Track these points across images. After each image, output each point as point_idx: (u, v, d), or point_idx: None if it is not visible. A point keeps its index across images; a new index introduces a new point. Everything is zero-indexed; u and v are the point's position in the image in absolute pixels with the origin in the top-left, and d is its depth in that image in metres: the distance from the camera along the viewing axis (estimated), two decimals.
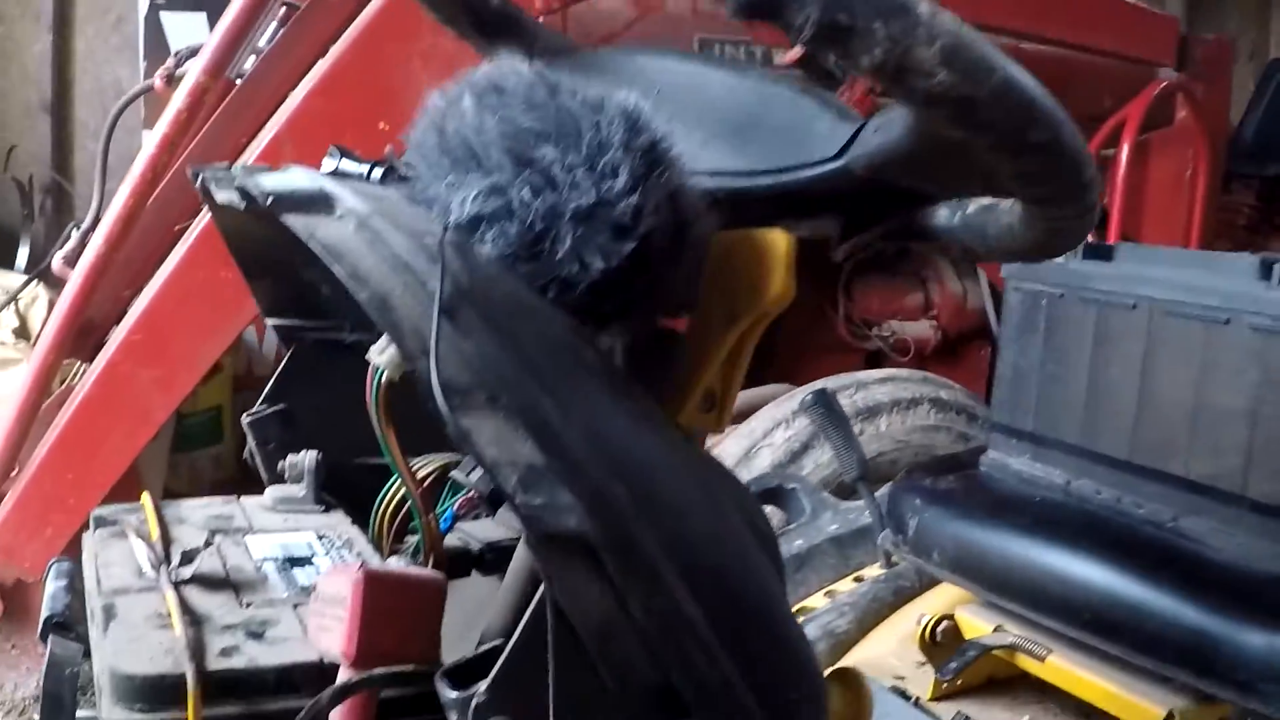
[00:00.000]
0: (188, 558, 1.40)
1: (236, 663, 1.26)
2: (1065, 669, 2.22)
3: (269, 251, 1.54)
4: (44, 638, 1.71)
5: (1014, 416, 2.58)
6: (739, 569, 1.17)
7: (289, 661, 1.28)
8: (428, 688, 1.15)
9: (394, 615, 1.19)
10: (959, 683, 2.31)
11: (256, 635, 1.32)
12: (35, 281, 4.28)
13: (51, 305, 4.71)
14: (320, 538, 1.59)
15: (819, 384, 3.60)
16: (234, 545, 1.49)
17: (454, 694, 1.09)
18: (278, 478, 1.81)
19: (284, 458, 1.80)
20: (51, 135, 5.62)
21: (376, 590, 1.17)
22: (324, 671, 1.27)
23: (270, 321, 1.80)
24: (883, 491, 2.67)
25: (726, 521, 1.19)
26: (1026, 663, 2.27)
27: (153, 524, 1.52)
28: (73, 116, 5.75)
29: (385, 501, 1.66)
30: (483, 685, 1.07)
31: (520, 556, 1.30)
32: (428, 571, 1.23)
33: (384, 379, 1.37)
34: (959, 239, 1.18)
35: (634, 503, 1.05)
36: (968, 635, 2.33)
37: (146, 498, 1.63)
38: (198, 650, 1.26)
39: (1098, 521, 2.27)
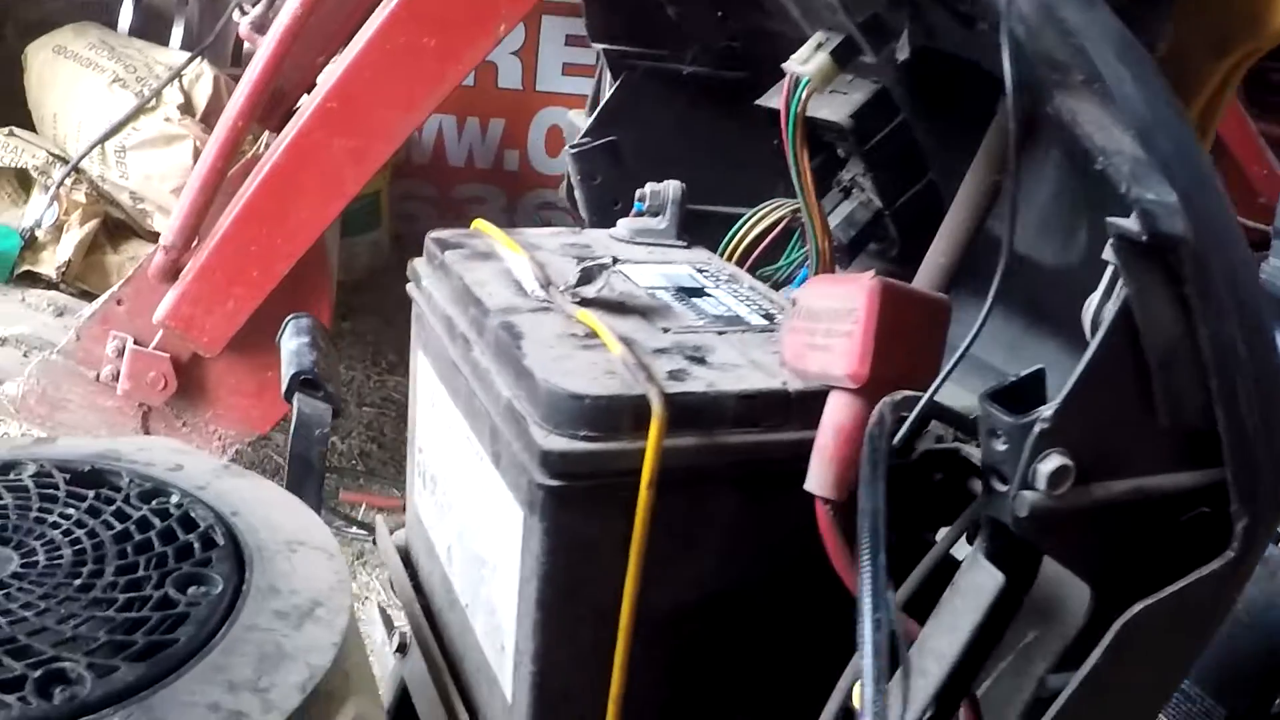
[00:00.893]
0: (587, 277, 1.19)
1: (693, 387, 1.06)
2: None
3: None
4: (289, 396, 1.54)
5: None
6: (1267, 336, 1.00)
7: (752, 388, 1.07)
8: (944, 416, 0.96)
9: (905, 334, 0.99)
10: None
11: (698, 360, 1.12)
12: (199, 58, 4.04)
13: (216, 81, 4.55)
14: (700, 271, 1.38)
15: None
16: (613, 274, 1.27)
17: (1010, 419, 0.90)
18: (600, 215, 1.63)
19: (608, 193, 1.62)
20: None
21: (892, 303, 0.97)
22: (790, 402, 1.07)
23: (599, 47, 1.63)
24: None
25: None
26: None
27: (512, 246, 1.31)
28: None
29: (735, 241, 1.47)
30: (1047, 410, 0.91)
31: None
32: (933, 292, 1.01)
33: (806, 90, 1.17)
34: None
35: (1211, 223, 0.92)
36: None
37: (483, 223, 1.43)
38: (649, 373, 1.06)
39: None
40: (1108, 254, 0.92)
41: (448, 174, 5.75)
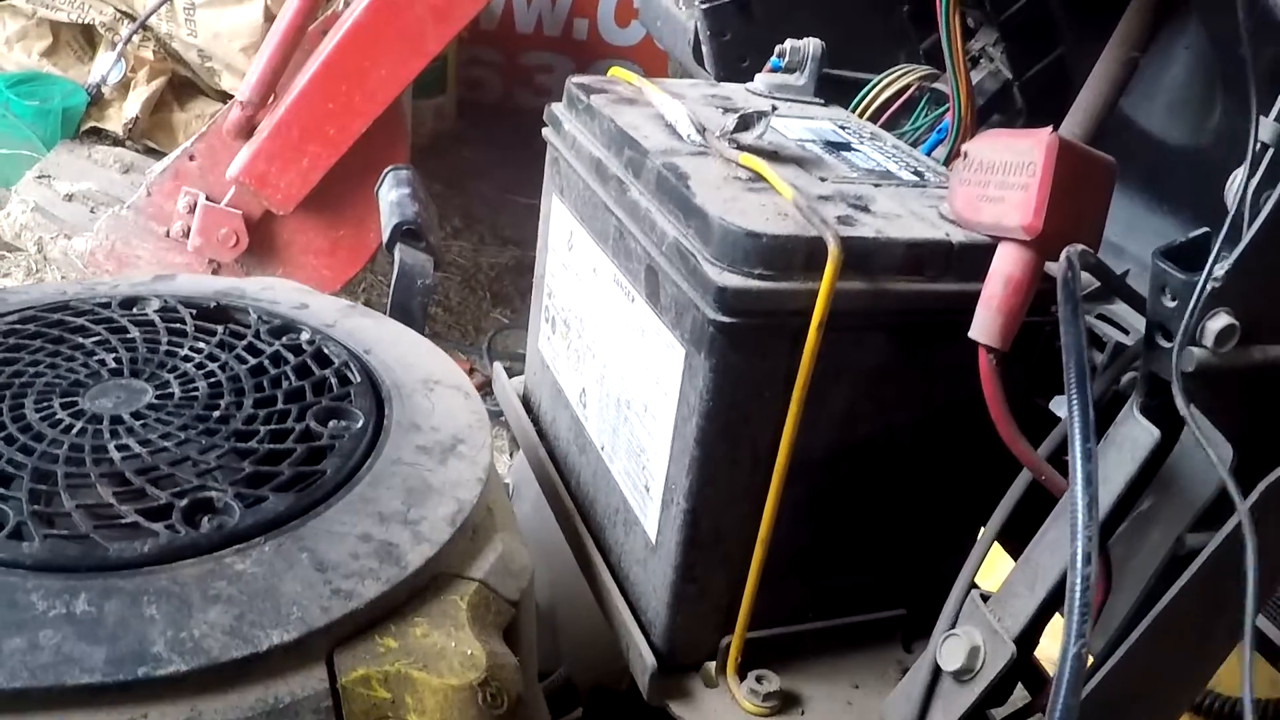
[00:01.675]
0: (745, 123, 1.19)
1: (863, 232, 1.06)
2: None
3: None
4: (391, 247, 1.54)
5: None
6: None
7: (918, 237, 1.08)
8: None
9: (1077, 190, 0.99)
10: None
11: (862, 208, 1.12)
12: None
13: None
14: (842, 128, 1.38)
15: None
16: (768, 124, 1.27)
17: (1183, 276, 0.91)
18: (728, 71, 1.62)
19: (737, 49, 1.61)
20: None
21: (1068, 158, 0.97)
22: (951, 253, 1.07)
23: None
24: None
25: None
26: None
27: (659, 91, 1.31)
28: None
29: (864, 103, 1.47)
30: (1219, 269, 0.91)
31: None
32: (1101, 154, 1.00)
33: None
34: None
35: None
36: None
37: (620, 69, 1.42)
38: (821, 217, 1.06)
39: None
40: (1265, 133, 0.91)
41: (515, 41, 5.71)
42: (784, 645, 1.21)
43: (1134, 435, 0.98)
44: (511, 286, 4.06)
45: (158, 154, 4.04)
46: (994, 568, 1.16)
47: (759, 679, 1.17)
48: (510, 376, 1.62)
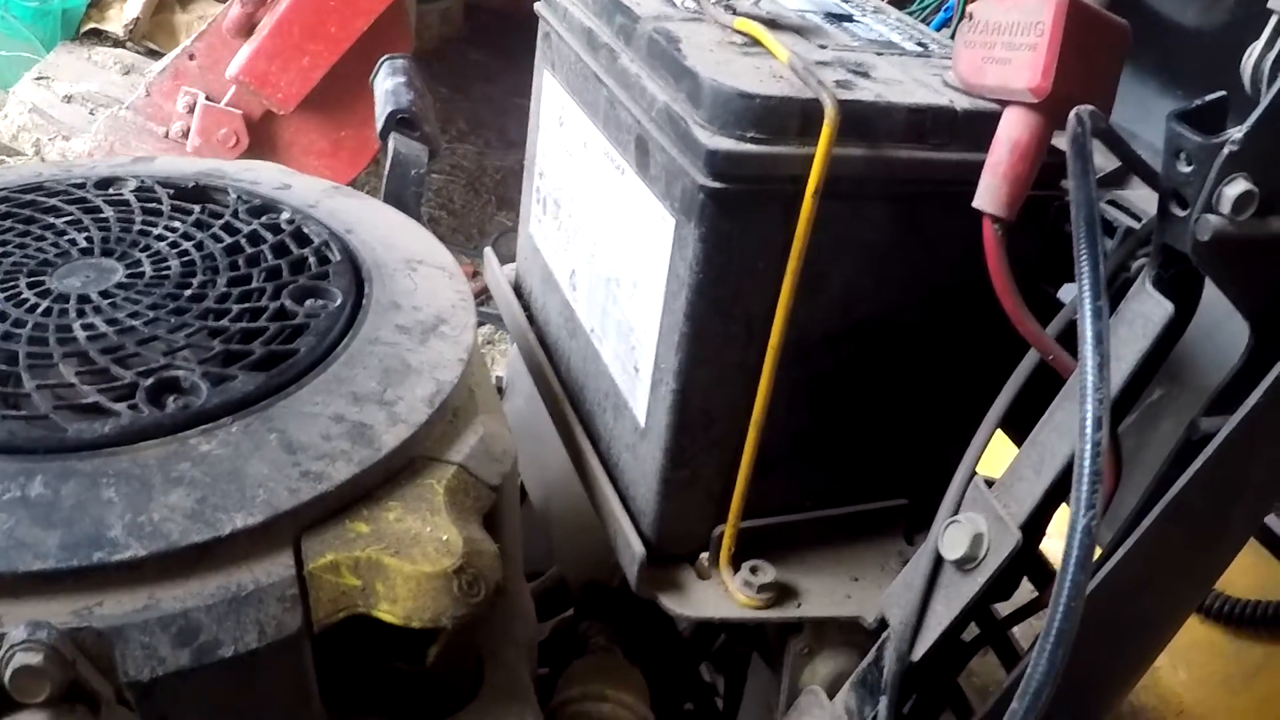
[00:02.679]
0: None
1: (862, 96, 1.01)
2: None
3: None
4: (385, 136, 1.49)
5: None
6: None
7: (921, 102, 1.02)
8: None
9: (1088, 52, 0.94)
10: None
11: (862, 74, 1.06)
12: None
13: None
14: (844, 0, 1.31)
15: None
16: None
17: (1199, 139, 0.86)
18: None
19: None
20: None
21: (1078, 17, 0.92)
22: (956, 120, 1.01)
23: None
24: None
25: None
26: None
27: None
28: None
29: None
30: (1237, 132, 0.85)
31: None
32: (1115, 16, 0.94)
33: None
34: None
35: None
36: None
37: None
38: (818, 78, 1.00)
39: None
40: (1275, 3, 0.87)
41: None
42: (780, 535, 1.16)
43: (1146, 310, 0.93)
44: (516, 191, 3.98)
45: (159, 56, 3.98)
46: (1000, 459, 1.12)
47: (753, 570, 1.13)
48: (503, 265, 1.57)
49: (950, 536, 1.00)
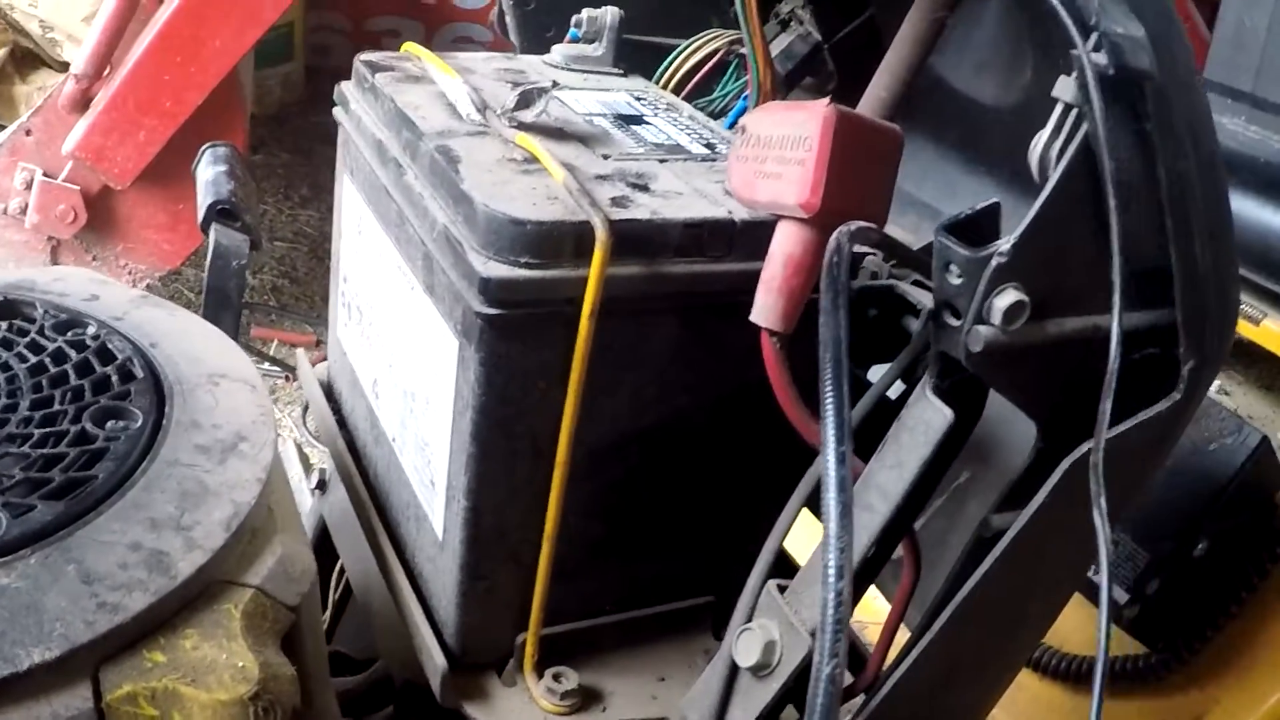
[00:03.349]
0: (525, 100, 1.14)
1: (637, 214, 1.02)
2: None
3: None
4: (206, 228, 1.48)
5: (1232, 76, 2.31)
6: (1220, 178, 0.97)
7: (697, 216, 1.04)
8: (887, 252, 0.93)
9: (858, 164, 0.95)
10: None
11: (641, 188, 1.08)
12: None
13: None
14: (638, 99, 1.33)
15: None
16: (551, 99, 1.22)
17: (967, 252, 0.87)
18: (533, 42, 1.56)
19: (542, 19, 1.55)
20: None
21: (846, 131, 0.93)
22: (735, 231, 1.04)
23: None
24: None
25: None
26: (1242, 327, 2.06)
27: (445, 68, 1.25)
28: None
29: (670, 72, 1.42)
30: (1004, 244, 0.86)
31: None
32: (886, 123, 0.97)
33: None
34: None
35: (1175, 61, 0.88)
36: None
37: (414, 46, 1.36)
38: (592, 199, 1.02)
39: None
40: (1061, 91, 0.88)
41: (363, 6, 5.60)
42: (584, 640, 1.17)
43: (927, 418, 0.95)
44: None
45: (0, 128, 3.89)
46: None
47: (556, 676, 1.14)
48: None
49: (744, 644, 1.01)
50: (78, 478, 0.96)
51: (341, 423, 1.45)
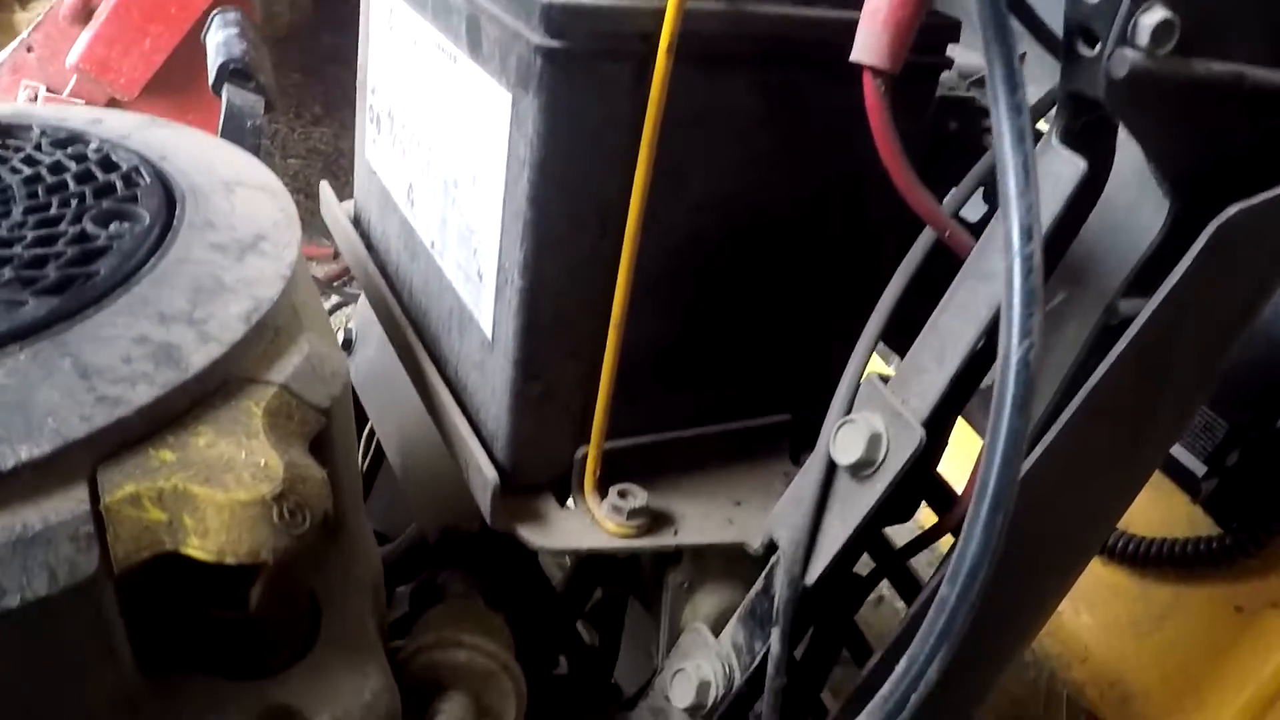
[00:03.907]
0: None
1: None
2: None
3: None
4: (218, 89, 1.37)
5: None
6: None
7: None
8: None
9: None
10: None
11: None
12: None
13: None
14: None
15: None
16: None
17: None
18: None
19: None
20: None
21: None
22: None
23: None
24: None
25: None
26: None
27: None
28: None
29: None
30: None
31: None
32: None
33: None
34: None
35: None
36: None
37: None
38: None
39: None
40: None
41: None
42: (651, 457, 1.04)
43: (1055, 170, 0.83)
44: None
45: None
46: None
47: (622, 494, 1.01)
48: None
49: (843, 439, 0.89)
50: (76, 273, 0.86)
51: (371, 249, 1.32)
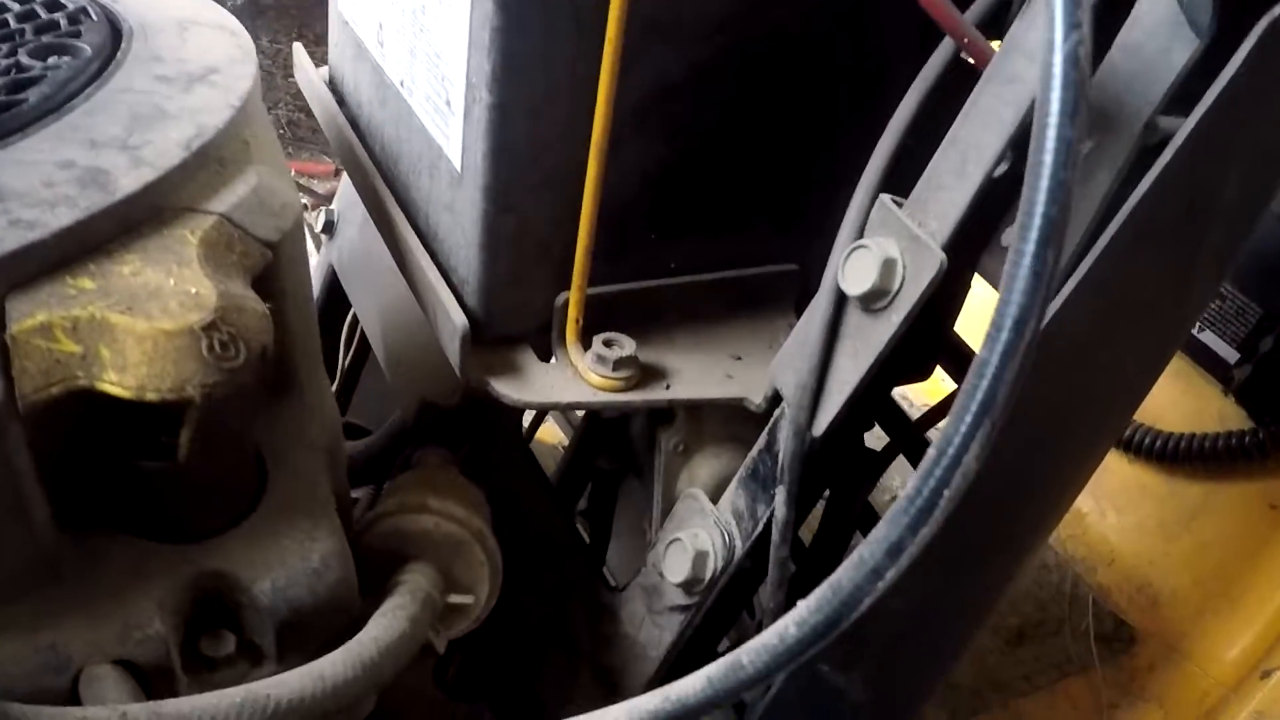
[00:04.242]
0: None
1: None
2: None
3: None
4: None
5: None
6: None
7: None
8: None
9: None
10: None
11: None
12: None
13: None
14: None
15: None
16: None
17: None
18: None
19: None
20: None
21: None
22: None
23: None
24: None
25: None
26: None
27: None
28: None
29: None
30: None
31: None
32: None
33: None
34: None
35: None
36: None
37: None
38: None
39: None
40: None
41: None
42: (642, 305, 0.94)
43: None
44: None
45: None
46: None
47: (607, 343, 0.90)
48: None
49: (854, 267, 0.80)
50: (2, 102, 0.80)
51: (343, 106, 1.22)
